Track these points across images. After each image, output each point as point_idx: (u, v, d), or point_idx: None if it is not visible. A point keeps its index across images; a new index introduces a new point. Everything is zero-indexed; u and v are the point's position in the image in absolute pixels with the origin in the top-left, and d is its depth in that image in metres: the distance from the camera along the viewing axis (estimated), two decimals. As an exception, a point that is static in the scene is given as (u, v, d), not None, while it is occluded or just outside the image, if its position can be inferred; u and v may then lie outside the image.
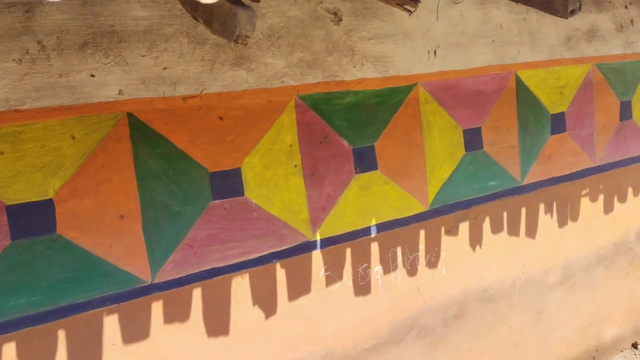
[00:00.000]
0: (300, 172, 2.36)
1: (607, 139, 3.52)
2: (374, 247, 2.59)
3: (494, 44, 2.95)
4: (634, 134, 3.67)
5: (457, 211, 2.87)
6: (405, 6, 1.91)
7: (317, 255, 2.42)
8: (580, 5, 2.01)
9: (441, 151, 2.80)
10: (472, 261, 2.94)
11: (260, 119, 2.27)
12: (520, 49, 3.06)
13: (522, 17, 3.05)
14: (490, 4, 2.92)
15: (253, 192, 2.25)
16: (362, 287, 2.56)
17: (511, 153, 3.07)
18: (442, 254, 2.82)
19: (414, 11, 2.02)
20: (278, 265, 2.32)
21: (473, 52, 2.88)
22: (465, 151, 2.89)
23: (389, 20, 2.60)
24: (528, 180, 3.15)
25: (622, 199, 3.65)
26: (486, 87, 2.95)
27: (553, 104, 3.23)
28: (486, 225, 2.99)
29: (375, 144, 2.59)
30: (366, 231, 2.56)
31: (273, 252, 2.30)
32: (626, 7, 3.58)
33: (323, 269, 2.44)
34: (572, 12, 2.00)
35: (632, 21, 3.61)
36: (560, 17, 2.01)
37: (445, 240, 2.84)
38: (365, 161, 2.56)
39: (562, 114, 3.28)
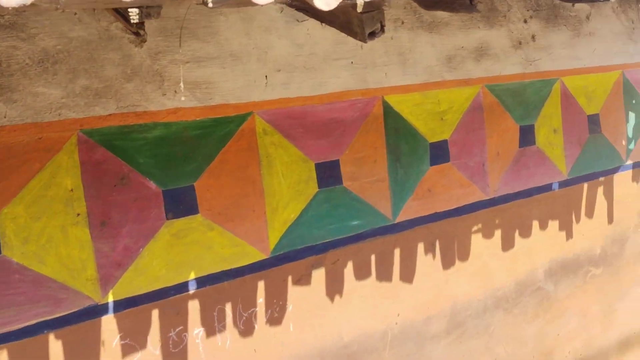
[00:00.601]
0: (86, 221, 1.98)
1: (504, 167, 3.17)
2: (193, 306, 2.21)
3: (352, 66, 2.60)
4: (538, 161, 3.33)
5: (310, 257, 2.50)
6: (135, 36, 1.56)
7: (109, 320, 2.03)
8: (382, 26, 1.66)
9: (286, 189, 2.43)
10: (330, 313, 2.57)
11: (25, 161, 1.89)
12: (388, 71, 2.71)
13: (389, 35, 2.71)
14: (347, 20, 2.58)
15: (15, 249, 1.87)
16: (174, 354, 2.17)
17: (380, 188, 2.71)
18: (289, 307, 2.45)
19: (141, 43, 1.67)
20: (52, 336, 1.93)
21: (325, 76, 2.53)
22: (319, 187, 2.52)
23: (212, 40, 2.25)
24: (402, 217, 2.79)
25: (526, 233, 3.30)
26: (345, 115, 2.59)
27: (432, 132, 2.88)
28: (348, 270, 2.63)
29: (195, 183, 2.22)
30: (181, 287, 2.18)
31: (44, 321, 1.91)
32: (525, 21, 3.25)
33: (118, 336, 2.05)
34: (372, 35, 1.65)
35: (533, 37, 3.28)
36: (360, 40, 1.67)
37: (294, 291, 2.46)
38: (181, 204, 2.18)
39: (444, 142, 2.93)
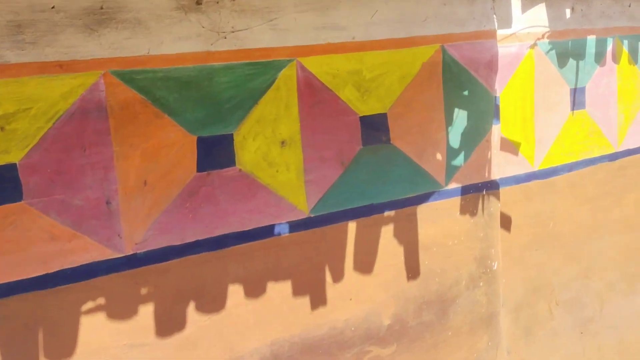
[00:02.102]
0: None
1: (161, 205, 1.97)
2: None
3: None
4: (241, 191, 2.09)
5: None
6: None
7: None
8: None
9: None
10: None
11: None
12: None
13: None
14: None
15: None
16: None
17: None
18: None
19: None
20: None
21: None
22: None
23: None
24: None
25: (214, 305, 2.10)
26: None
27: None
28: None
29: None
30: None
31: None
32: (213, -33, 1.98)
33: None
34: None
35: (231, -7, 2.02)
36: None
37: None
38: None
39: (11, 168, 1.75)
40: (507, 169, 2.80)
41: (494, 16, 2.59)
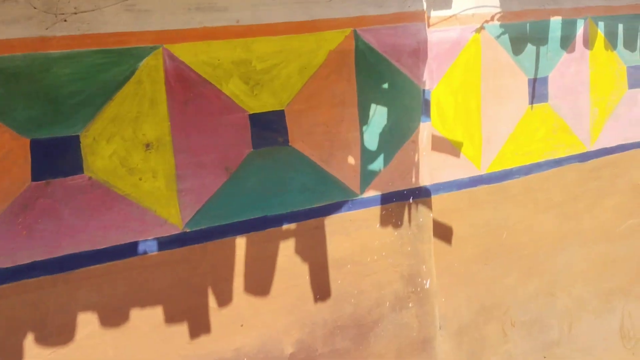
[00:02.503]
0: None
1: (-16, 221, 1.67)
2: None
3: None
4: (89, 203, 1.77)
5: None
6: None
7: None
8: None
9: None
10: None
11: None
12: None
13: None
14: None
15: None
16: None
17: None
18: None
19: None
20: None
21: None
22: None
23: None
24: None
25: (61, 337, 1.79)
26: None
27: None
28: None
29: None
30: None
31: None
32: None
33: None
34: None
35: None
36: None
37: None
38: None
39: None
40: (445, 173, 2.43)
41: (423, -5, 2.21)
